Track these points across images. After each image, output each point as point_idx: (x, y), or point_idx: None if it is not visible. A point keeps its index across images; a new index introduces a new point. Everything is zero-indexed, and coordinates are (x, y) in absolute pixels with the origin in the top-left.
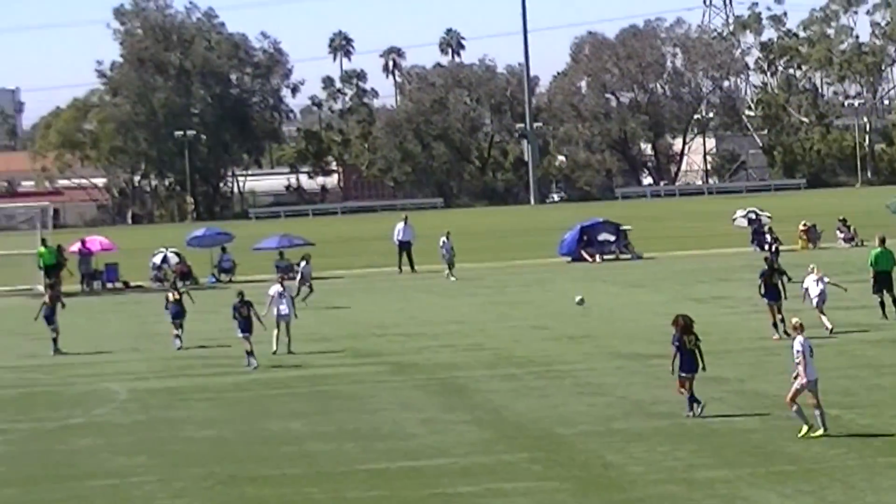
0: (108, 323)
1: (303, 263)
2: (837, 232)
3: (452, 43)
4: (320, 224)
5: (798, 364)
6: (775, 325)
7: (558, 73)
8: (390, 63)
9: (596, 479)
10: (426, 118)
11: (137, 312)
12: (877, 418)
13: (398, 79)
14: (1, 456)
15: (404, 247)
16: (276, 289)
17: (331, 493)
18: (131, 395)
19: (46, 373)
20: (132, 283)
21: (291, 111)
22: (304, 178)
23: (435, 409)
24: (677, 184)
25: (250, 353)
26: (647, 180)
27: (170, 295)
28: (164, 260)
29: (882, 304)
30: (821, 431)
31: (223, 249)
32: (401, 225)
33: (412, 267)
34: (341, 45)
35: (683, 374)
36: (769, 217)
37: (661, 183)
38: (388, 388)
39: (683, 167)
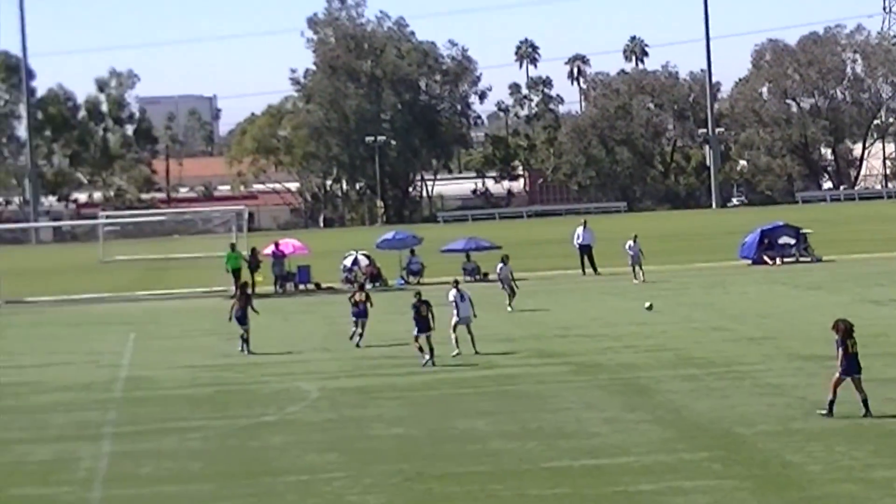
0: (300, 323)
1: (500, 266)
2: None
3: (636, 50)
4: (506, 227)
5: None
6: None
7: (740, 80)
8: (575, 70)
9: (774, 477)
10: (610, 124)
11: (328, 313)
12: None
13: (583, 85)
14: (197, 452)
15: (584, 250)
16: (453, 293)
17: (515, 491)
18: (322, 393)
19: (240, 371)
20: (323, 285)
21: (479, 117)
22: (490, 183)
23: (617, 408)
24: (857, 188)
25: (422, 350)
26: (827, 184)
27: (356, 296)
28: (355, 262)
29: None
30: None
31: (412, 252)
32: (580, 229)
33: (594, 269)
34: (528, 52)
35: (847, 376)
36: None
37: (841, 187)
38: (571, 388)
39: (863, 171)
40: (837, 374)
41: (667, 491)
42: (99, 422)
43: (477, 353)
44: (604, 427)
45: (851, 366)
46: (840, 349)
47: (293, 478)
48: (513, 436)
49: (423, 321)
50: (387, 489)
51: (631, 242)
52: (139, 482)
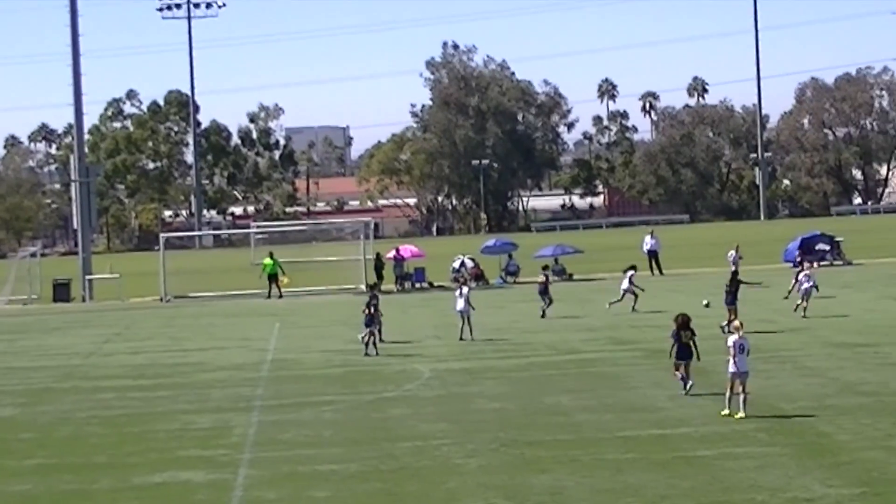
0: (417, 316)
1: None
2: None
3: (698, 87)
4: (589, 236)
5: None
6: None
7: (785, 112)
8: (647, 104)
9: (810, 445)
10: (676, 149)
11: (440, 307)
12: None
13: (653, 117)
14: (329, 422)
15: (651, 255)
16: (458, 292)
17: (593, 456)
18: (433, 374)
19: (366, 355)
20: (436, 283)
21: (566, 144)
22: (576, 199)
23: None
24: (882, 203)
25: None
26: (857, 200)
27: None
28: (462, 264)
29: None
30: None
31: (510, 256)
32: (648, 237)
33: (660, 271)
34: (608, 89)
35: (678, 361)
36: None
37: (869, 202)
38: (641, 370)
39: (888, 189)
40: (673, 360)
41: (721, 456)
42: (249, 396)
43: (473, 339)
44: (668, 403)
45: (680, 352)
46: (673, 338)
47: (409, 444)
48: (592, 409)
49: (370, 318)
50: (486, 454)
51: (733, 252)
52: (281, 446)
